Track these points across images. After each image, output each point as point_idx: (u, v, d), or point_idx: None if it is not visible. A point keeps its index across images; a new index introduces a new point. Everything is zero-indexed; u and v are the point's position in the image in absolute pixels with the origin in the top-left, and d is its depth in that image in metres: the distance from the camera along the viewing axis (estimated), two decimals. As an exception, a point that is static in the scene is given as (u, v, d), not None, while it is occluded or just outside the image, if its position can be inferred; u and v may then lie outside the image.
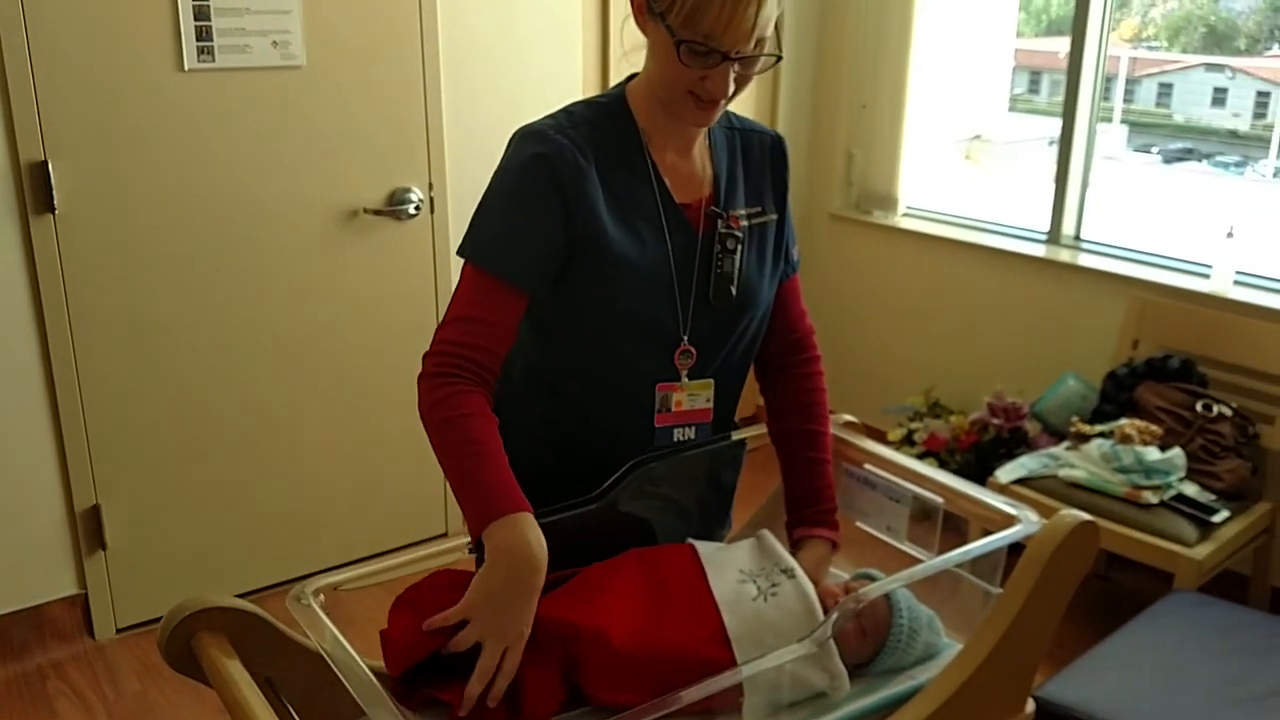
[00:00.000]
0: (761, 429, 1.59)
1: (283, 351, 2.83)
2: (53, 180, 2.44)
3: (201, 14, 2.53)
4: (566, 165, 1.30)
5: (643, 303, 1.36)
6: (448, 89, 2.91)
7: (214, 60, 2.57)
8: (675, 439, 1.45)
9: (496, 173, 1.36)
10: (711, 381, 1.45)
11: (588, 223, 1.31)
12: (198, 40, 2.54)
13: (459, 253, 1.35)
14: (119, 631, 2.78)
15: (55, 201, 2.45)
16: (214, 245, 2.68)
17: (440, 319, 1.35)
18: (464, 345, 1.29)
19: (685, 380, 1.42)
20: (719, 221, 1.41)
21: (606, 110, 1.39)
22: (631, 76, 1.42)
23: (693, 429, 1.46)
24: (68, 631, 2.74)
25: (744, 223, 1.43)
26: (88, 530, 2.68)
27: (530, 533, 1.19)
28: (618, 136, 1.37)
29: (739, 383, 1.53)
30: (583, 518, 1.38)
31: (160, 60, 2.52)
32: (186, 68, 2.54)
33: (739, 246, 1.41)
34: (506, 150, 1.36)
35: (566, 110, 1.39)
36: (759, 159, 1.49)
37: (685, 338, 1.40)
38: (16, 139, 2.40)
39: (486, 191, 1.35)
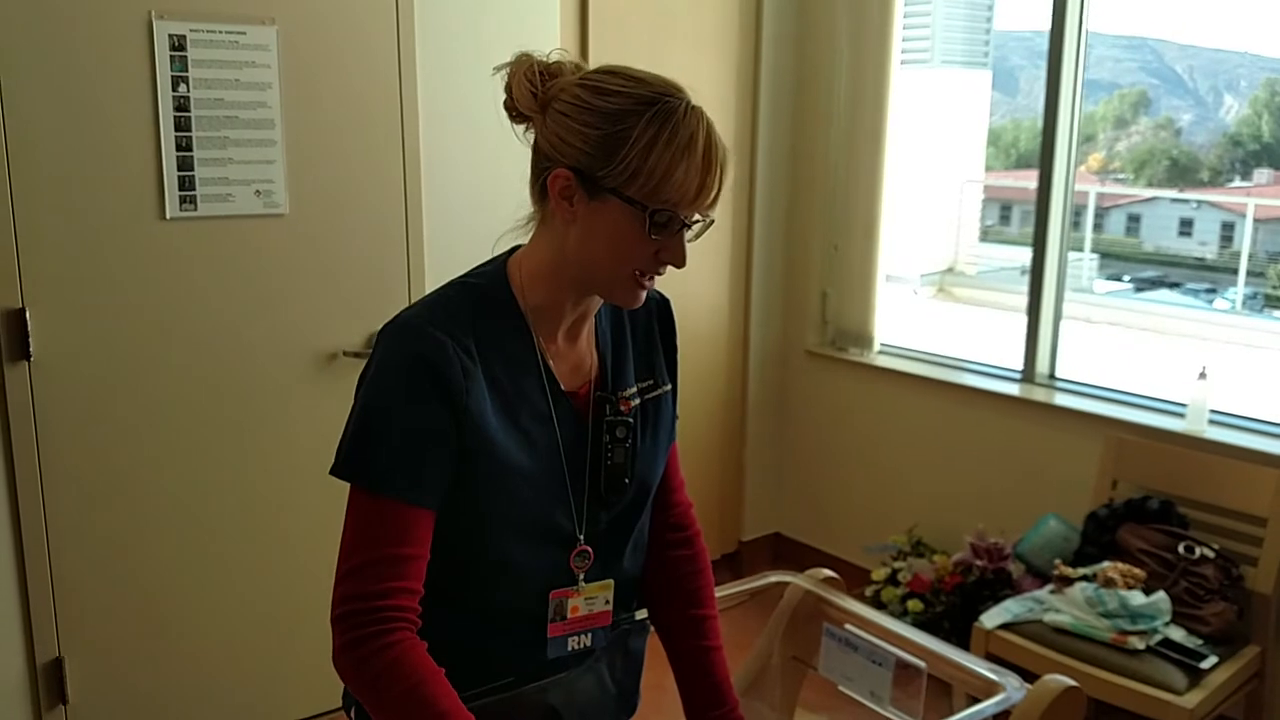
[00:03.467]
0: None
1: (258, 499, 2.79)
2: (30, 327, 2.44)
3: (185, 164, 2.57)
4: (453, 368, 1.18)
5: (534, 506, 1.26)
6: (430, 230, 2.95)
7: (196, 209, 2.60)
8: (570, 649, 1.33)
9: (374, 377, 1.22)
10: (611, 582, 1.34)
11: (476, 429, 1.20)
12: (180, 189, 2.57)
13: (337, 473, 1.22)
14: (76, 791, 2.67)
15: (31, 349, 2.45)
16: (191, 392, 2.66)
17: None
18: (379, 595, 1.17)
19: (582, 584, 1.32)
20: (607, 407, 1.31)
21: (487, 296, 1.27)
22: (514, 249, 1.33)
23: (589, 635, 1.34)
24: (22, 792, 2.62)
25: (634, 402, 1.34)
26: (48, 684, 2.59)
27: None
28: (501, 325, 1.25)
29: (639, 562, 1.43)
30: (550, 688, 1.33)
31: (142, 208, 2.54)
32: (169, 216, 2.57)
33: (630, 435, 1.31)
34: (378, 347, 1.23)
35: (442, 296, 1.27)
36: (646, 324, 1.39)
37: (581, 538, 1.30)
38: (-5, 287, 2.41)
39: (366, 400, 1.22)
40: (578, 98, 1.19)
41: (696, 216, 1.20)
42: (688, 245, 1.22)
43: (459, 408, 1.19)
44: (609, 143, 1.16)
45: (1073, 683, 1.35)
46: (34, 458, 2.49)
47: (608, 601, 1.35)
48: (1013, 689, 1.36)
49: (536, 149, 1.25)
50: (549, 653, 1.31)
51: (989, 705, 1.33)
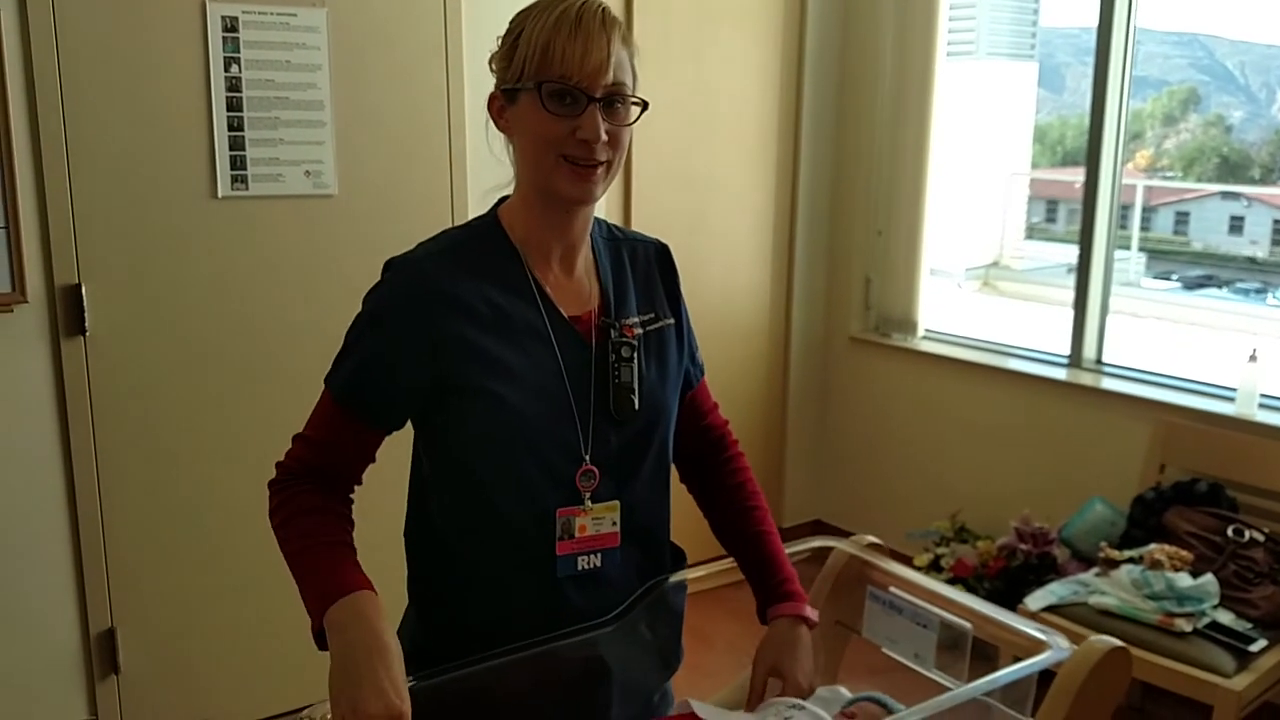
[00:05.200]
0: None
1: (304, 473, 2.83)
2: (85, 303, 2.49)
3: (237, 144, 2.61)
4: (436, 298, 1.27)
5: (534, 418, 1.29)
6: (476, 212, 2.97)
7: (247, 188, 2.64)
8: (579, 568, 1.35)
9: (365, 300, 1.32)
10: (616, 504, 1.36)
11: (466, 353, 1.27)
12: (232, 169, 2.62)
13: None
14: (128, 760, 2.72)
15: (87, 324, 2.50)
16: (241, 369, 2.71)
17: None
18: (311, 464, 1.31)
19: (589, 504, 1.34)
20: (612, 331, 1.36)
21: (479, 232, 1.38)
22: (503, 200, 1.42)
23: (599, 555, 1.37)
24: (76, 759, 2.68)
25: (638, 331, 1.39)
26: (101, 654, 2.65)
27: (367, 604, 1.18)
28: (493, 256, 1.34)
29: (660, 499, 1.45)
30: (590, 643, 1.35)
31: (195, 187, 2.59)
32: (220, 195, 2.62)
33: (635, 354, 1.37)
34: (380, 279, 1.34)
35: (442, 235, 1.39)
36: (645, 267, 1.46)
37: (587, 458, 1.33)
38: (53, 263, 2.46)
39: (354, 319, 1.33)
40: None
41: (601, 90, 1.24)
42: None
43: (444, 332, 1.26)
44: (511, 50, 1.28)
45: (1120, 643, 1.34)
46: (89, 431, 2.54)
47: (614, 523, 1.37)
48: (1059, 648, 1.35)
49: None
50: (559, 571, 1.33)
51: (1036, 662, 1.32)
